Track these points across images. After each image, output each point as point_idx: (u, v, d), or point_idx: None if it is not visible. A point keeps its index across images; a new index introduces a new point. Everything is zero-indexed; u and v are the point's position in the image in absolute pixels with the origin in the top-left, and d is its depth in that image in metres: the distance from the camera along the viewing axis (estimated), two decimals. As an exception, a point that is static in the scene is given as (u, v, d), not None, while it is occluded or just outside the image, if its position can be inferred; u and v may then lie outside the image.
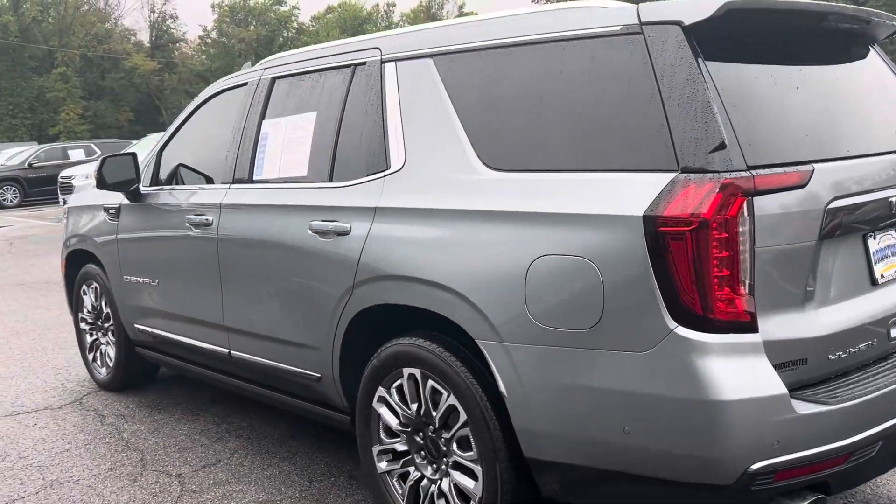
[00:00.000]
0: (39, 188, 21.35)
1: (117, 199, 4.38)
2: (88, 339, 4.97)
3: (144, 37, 72.35)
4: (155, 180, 4.19)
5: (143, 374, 4.81)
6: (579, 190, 2.20)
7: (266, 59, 3.72)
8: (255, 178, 3.46)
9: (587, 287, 2.13)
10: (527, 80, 2.41)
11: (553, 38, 2.37)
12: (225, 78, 3.94)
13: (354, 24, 73.94)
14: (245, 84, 3.69)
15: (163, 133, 4.43)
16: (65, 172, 16.62)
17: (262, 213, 3.31)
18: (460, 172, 2.53)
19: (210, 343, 3.74)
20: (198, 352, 3.88)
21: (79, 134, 55.40)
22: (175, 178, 4.13)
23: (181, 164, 4.12)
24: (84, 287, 4.88)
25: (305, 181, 3.17)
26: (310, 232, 3.02)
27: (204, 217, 3.62)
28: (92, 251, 4.65)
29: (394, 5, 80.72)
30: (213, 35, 73.08)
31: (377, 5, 79.11)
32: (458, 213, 2.47)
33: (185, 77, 70.17)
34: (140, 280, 4.19)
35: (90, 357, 4.97)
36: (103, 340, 4.85)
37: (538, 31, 2.42)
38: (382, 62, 2.94)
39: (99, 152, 21.52)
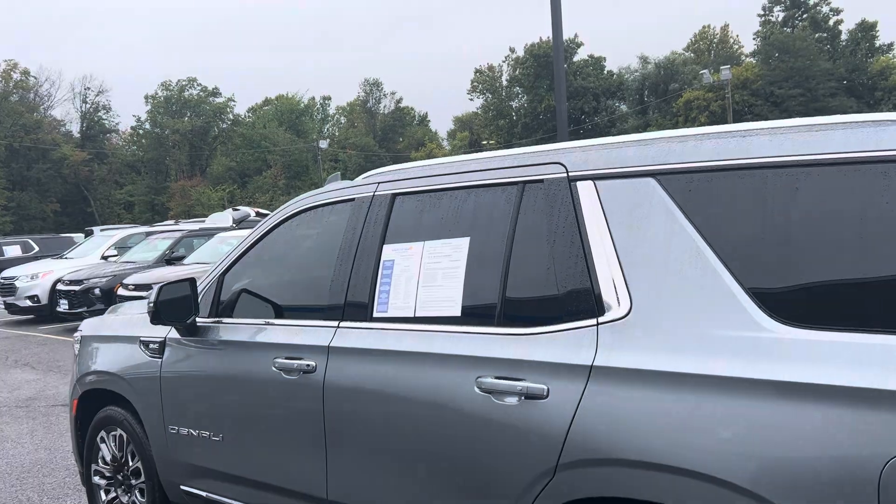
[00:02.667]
0: (-30, 288, 19.73)
1: (159, 330, 3.65)
2: (104, 496, 4.10)
3: (75, 127, 70.87)
4: (215, 311, 3.49)
5: (177, 541, 3.95)
6: None
7: (374, 171, 3.15)
8: (375, 315, 2.83)
9: None
10: (845, 207, 1.90)
11: (876, 157, 1.87)
12: (314, 192, 3.33)
13: (291, 116, 74.27)
14: (352, 200, 3.09)
15: (221, 256, 3.76)
16: (6, 272, 15.31)
17: (396, 363, 2.67)
18: (732, 327, 1.98)
19: (303, 519, 3.00)
20: (280, 527, 3.11)
21: (1, 226, 53.01)
22: (244, 309, 3.44)
23: (252, 293, 3.45)
24: (103, 434, 4.05)
25: (460, 324, 2.56)
26: (478, 391, 2.39)
27: (303, 362, 2.94)
28: (119, 392, 3.86)
29: (329, 99, 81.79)
30: (147, 126, 72.08)
31: (313, 98, 79.99)
32: (747, 383, 1.89)
33: (115, 167, 68.59)
34: (193, 433, 3.43)
35: (105, 519, 4.09)
36: (124, 500, 4.00)
37: (849, 148, 1.92)
38: (571, 180, 2.41)
39: (37, 248, 20.25)
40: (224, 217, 17.33)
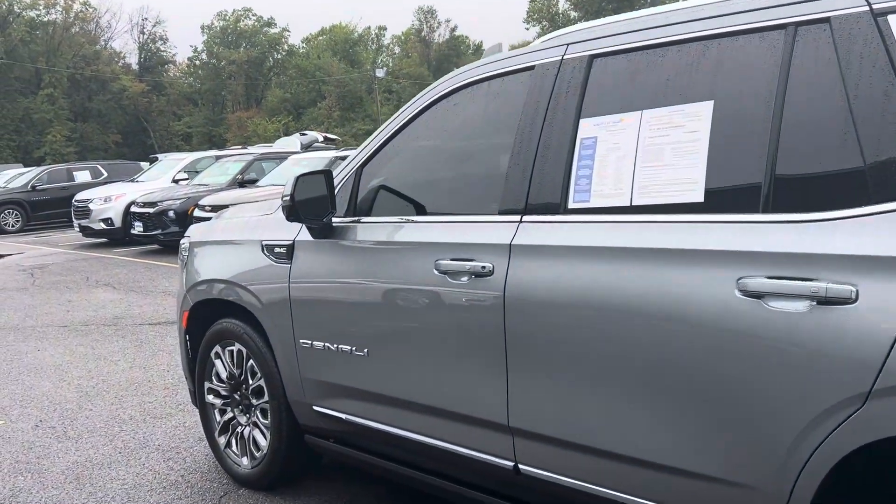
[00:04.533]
0: (43, 212, 19.91)
1: (285, 232, 3.19)
2: (219, 417, 3.75)
3: (133, 59, 71.12)
4: (353, 209, 3.01)
5: (302, 468, 3.58)
6: None
7: (559, 32, 2.57)
8: (572, 205, 2.30)
9: None
10: None
11: None
12: (473, 65, 2.77)
13: (345, 46, 73.15)
14: (530, 69, 2.53)
15: (357, 146, 3.26)
16: (80, 195, 15.23)
17: (608, 262, 2.14)
18: None
19: (475, 448, 2.54)
20: (442, 457, 2.67)
21: (65, 156, 53.96)
22: (388, 207, 2.96)
23: (397, 188, 2.96)
24: (217, 349, 3.66)
25: (703, 211, 2.01)
26: (739, 295, 1.85)
27: (475, 263, 2.44)
28: (238, 303, 3.45)
29: (385, 28, 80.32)
30: (203, 56, 71.96)
31: (368, 28, 78.64)
32: None
33: (173, 99, 68.86)
34: (331, 347, 2.99)
35: (221, 441, 3.74)
36: (243, 420, 3.63)
37: None
38: (878, 15, 1.80)
39: (105, 174, 20.22)
40: (292, 142, 16.95)
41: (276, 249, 3.22)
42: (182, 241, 3.96)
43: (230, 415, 3.70)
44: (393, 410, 2.82)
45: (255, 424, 3.55)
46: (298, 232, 3.14)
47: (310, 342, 3.09)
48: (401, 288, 2.71)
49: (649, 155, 2.14)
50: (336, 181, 3.05)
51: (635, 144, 2.18)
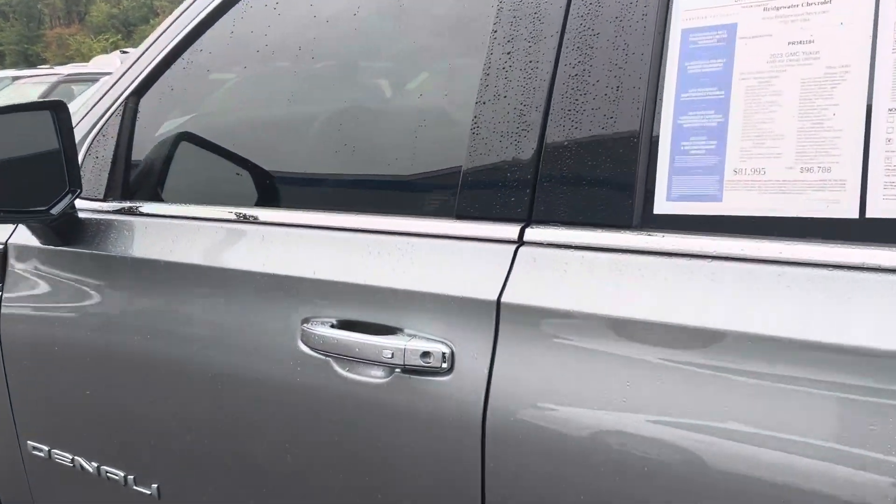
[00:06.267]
0: None
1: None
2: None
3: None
4: (122, 185, 1.45)
5: None
6: None
7: None
8: (663, 208, 0.89)
9: None
10: None
11: None
12: None
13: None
14: None
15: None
16: None
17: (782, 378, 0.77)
18: None
19: None
20: None
21: None
22: (201, 182, 1.44)
23: (207, 142, 1.43)
24: None
25: None
26: None
27: (406, 344, 1.00)
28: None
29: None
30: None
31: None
32: None
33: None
34: (87, 466, 1.47)
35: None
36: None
37: None
38: None
39: None
40: (110, 60, 14.35)
41: (-27, 259, 1.61)
42: None
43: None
44: None
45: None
46: (15, 228, 1.56)
47: (45, 449, 1.54)
48: (225, 371, 1.22)
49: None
50: (83, 126, 1.47)
51: (868, 48, 0.79)
